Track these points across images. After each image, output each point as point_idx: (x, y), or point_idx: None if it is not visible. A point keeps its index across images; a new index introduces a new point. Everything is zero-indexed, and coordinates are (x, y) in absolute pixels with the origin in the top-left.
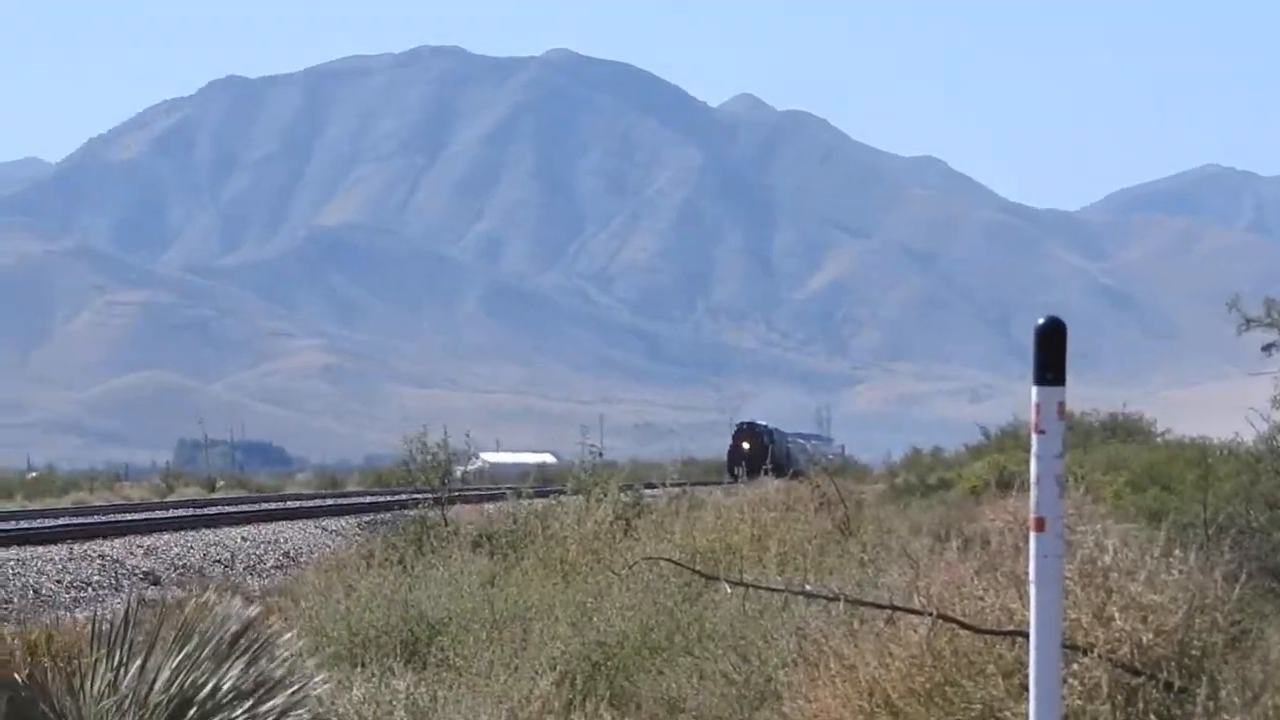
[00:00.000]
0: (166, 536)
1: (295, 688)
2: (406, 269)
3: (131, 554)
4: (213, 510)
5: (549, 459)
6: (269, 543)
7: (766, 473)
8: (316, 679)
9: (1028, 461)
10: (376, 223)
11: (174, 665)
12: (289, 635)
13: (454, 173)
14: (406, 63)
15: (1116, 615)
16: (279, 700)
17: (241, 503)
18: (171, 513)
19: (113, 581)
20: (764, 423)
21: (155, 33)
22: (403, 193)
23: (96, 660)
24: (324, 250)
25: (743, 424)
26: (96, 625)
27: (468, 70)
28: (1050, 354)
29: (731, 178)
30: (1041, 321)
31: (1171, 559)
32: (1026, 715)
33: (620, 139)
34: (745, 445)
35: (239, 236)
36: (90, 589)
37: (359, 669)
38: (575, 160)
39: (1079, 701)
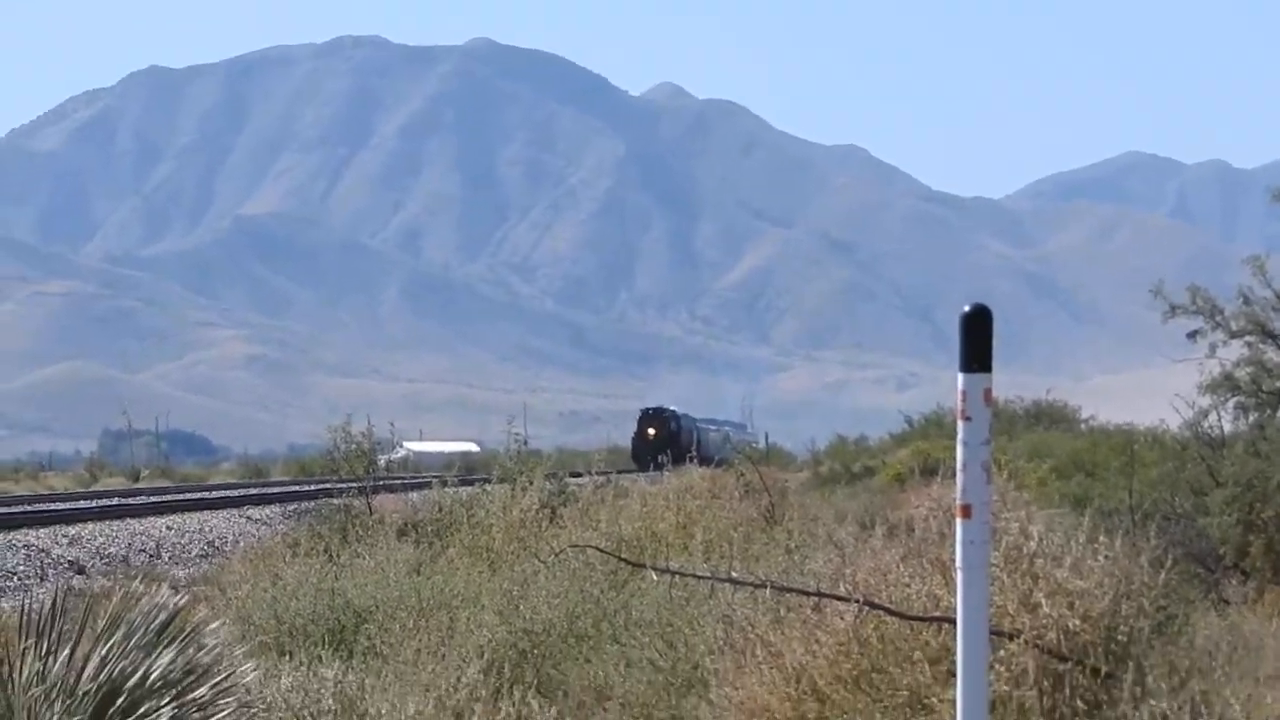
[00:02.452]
0: (91, 526)
1: (223, 676)
2: (330, 259)
3: (57, 543)
4: (137, 500)
5: (473, 448)
6: (194, 532)
7: (690, 460)
8: (244, 667)
9: (952, 449)
10: (300, 213)
11: (102, 654)
12: (216, 624)
13: (376, 163)
14: (328, 53)
15: (1043, 601)
16: (206, 688)
17: (166, 492)
18: (96, 503)
19: (38, 571)
20: (671, 407)
21: (75, 24)
22: (325, 183)
23: (25, 650)
24: (248, 240)
25: (648, 409)
26: (24, 615)
27: (389, 60)
28: (976, 341)
29: (654, 167)
30: (967, 309)
31: (1097, 545)
32: (954, 701)
33: (542, 128)
34: (651, 432)
35: (162, 226)
36: (16, 579)
37: (286, 658)
38: (497, 150)
39: (1005, 687)
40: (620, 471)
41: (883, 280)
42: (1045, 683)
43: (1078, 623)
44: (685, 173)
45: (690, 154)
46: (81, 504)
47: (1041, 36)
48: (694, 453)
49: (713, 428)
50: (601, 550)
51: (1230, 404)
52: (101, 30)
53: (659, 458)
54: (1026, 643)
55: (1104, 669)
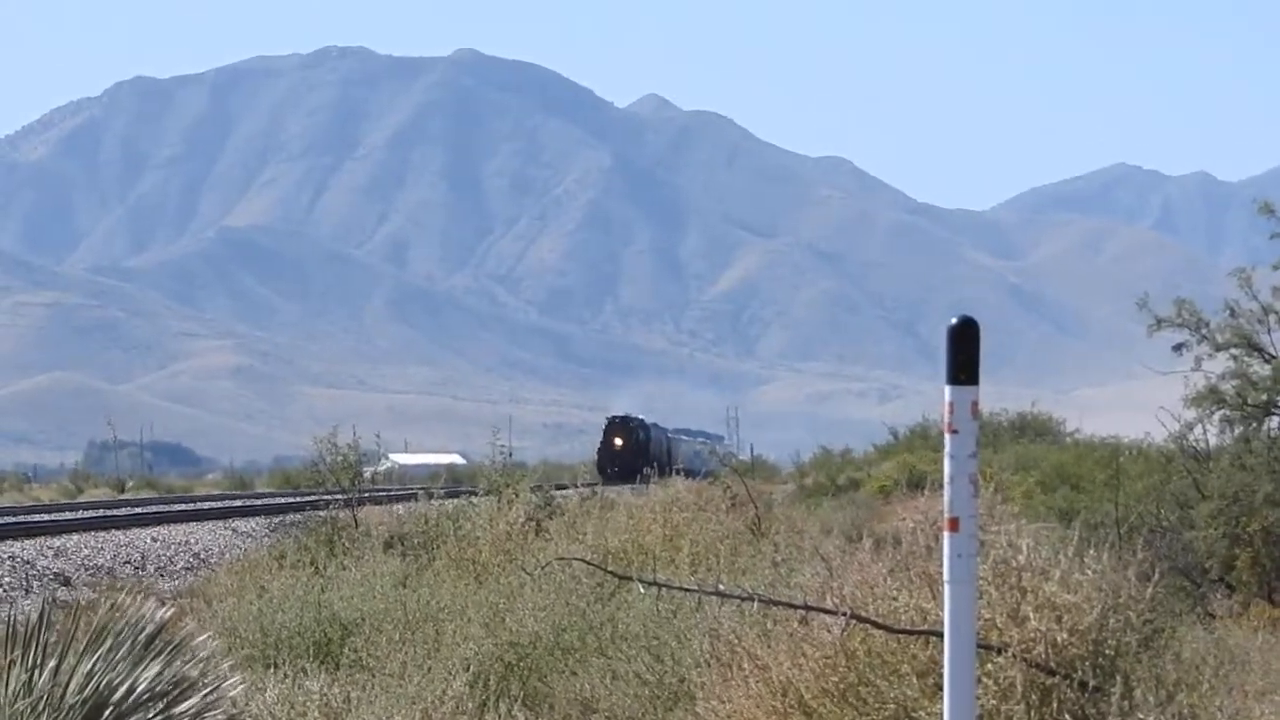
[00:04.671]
0: (77, 538)
1: (210, 689)
2: (315, 270)
3: (42, 555)
4: (123, 511)
5: (458, 459)
6: (180, 544)
7: (677, 473)
8: (231, 680)
9: (938, 461)
10: (285, 224)
11: (89, 667)
12: (203, 637)
13: (361, 174)
14: (313, 64)
15: (1031, 615)
16: (194, 701)
17: (151, 504)
18: (81, 514)
19: (23, 583)
20: (639, 416)
21: (61, 34)
22: (310, 194)
23: (10, 662)
24: (233, 251)
25: (614, 418)
26: (10, 627)
27: (375, 70)
28: (963, 353)
29: (639, 178)
30: (954, 321)
31: (1085, 559)
32: (941, 715)
33: (527, 139)
34: (618, 442)
35: (147, 237)
36: (0, 590)
37: (273, 670)
38: (482, 161)
39: (993, 701)
40: (607, 483)
41: (867, 292)
42: (1033, 697)
43: (1065, 636)
44: (670, 184)
45: (675, 165)
46: (67, 515)
47: (1027, 49)
48: (680, 465)
49: (685, 438)
50: (588, 563)
51: (1216, 417)
52: (87, 40)
53: (640, 469)
54: (1014, 656)
55: (1092, 683)
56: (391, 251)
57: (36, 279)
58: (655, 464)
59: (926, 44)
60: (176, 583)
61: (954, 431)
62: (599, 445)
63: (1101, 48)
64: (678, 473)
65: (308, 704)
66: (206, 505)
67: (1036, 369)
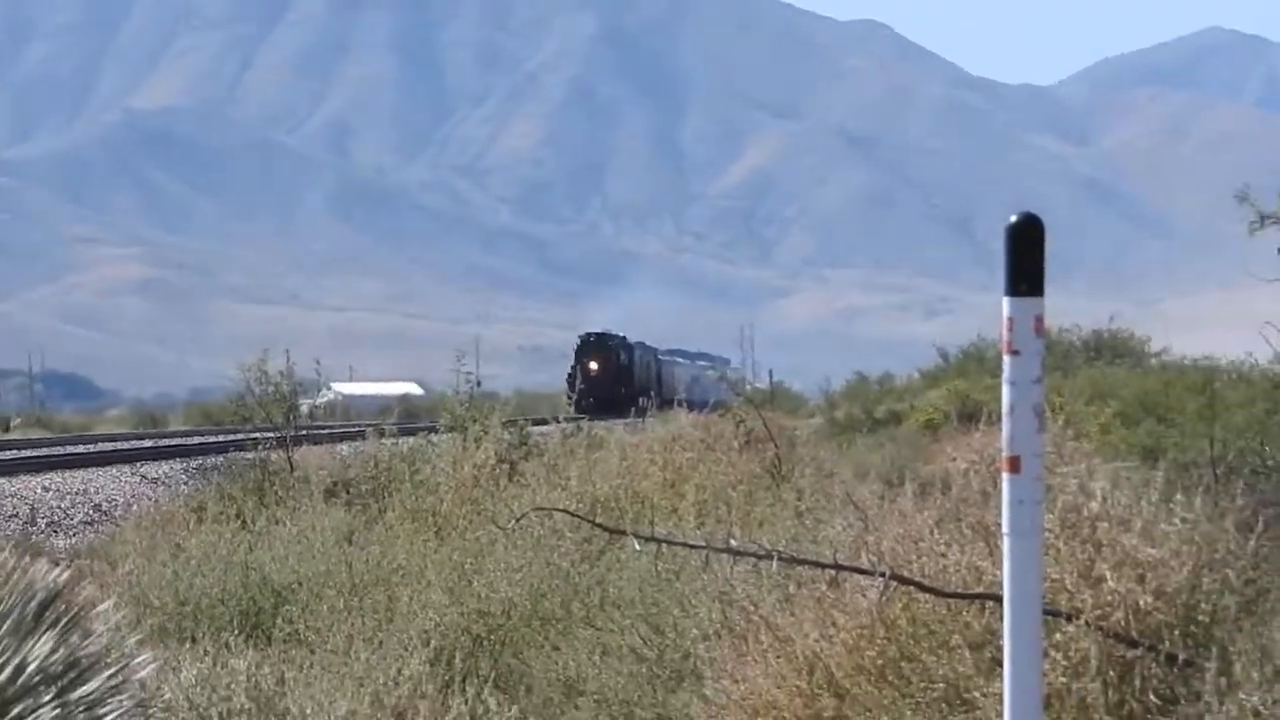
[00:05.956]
0: None
1: (115, 669)
2: (239, 161)
3: None
4: (6, 455)
5: (414, 390)
6: (77, 494)
7: (679, 404)
8: (140, 658)
9: (996, 389)
10: (202, 105)
11: None
12: (106, 605)
13: (294, 44)
14: None
15: (1108, 574)
16: (96, 684)
17: (42, 445)
18: None
19: None
20: (620, 334)
21: None
22: (233, 68)
23: None
24: (139, 139)
25: (588, 336)
26: None
27: None
28: (1025, 258)
29: (631, 48)
30: (1014, 219)
31: (1173, 505)
32: (1000, 695)
33: (495, 2)
34: (594, 366)
35: (33, 122)
36: None
37: (189, 645)
38: (440, 28)
39: (1063, 678)
40: (593, 418)
41: (909, 184)
42: (1111, 672)
43: (1149, 600)
44: (669, 55)
45: (675, 32)
46: None
47: None
48: (677, 393)
49: (682, 360)
50: (572, 514)
51: None
52: None
53: (623, 399)
54: (1088, 624)
55: (1182, 655)
56: (332, 139)
57: None
58: (643, 392)
59: None
60: (73, 540)
61: (1014, 352)
62: (569, 371)
63: None
64: (679, 404)
65: (233, 686)
66: (109, 447)
67: (1114, 277)
